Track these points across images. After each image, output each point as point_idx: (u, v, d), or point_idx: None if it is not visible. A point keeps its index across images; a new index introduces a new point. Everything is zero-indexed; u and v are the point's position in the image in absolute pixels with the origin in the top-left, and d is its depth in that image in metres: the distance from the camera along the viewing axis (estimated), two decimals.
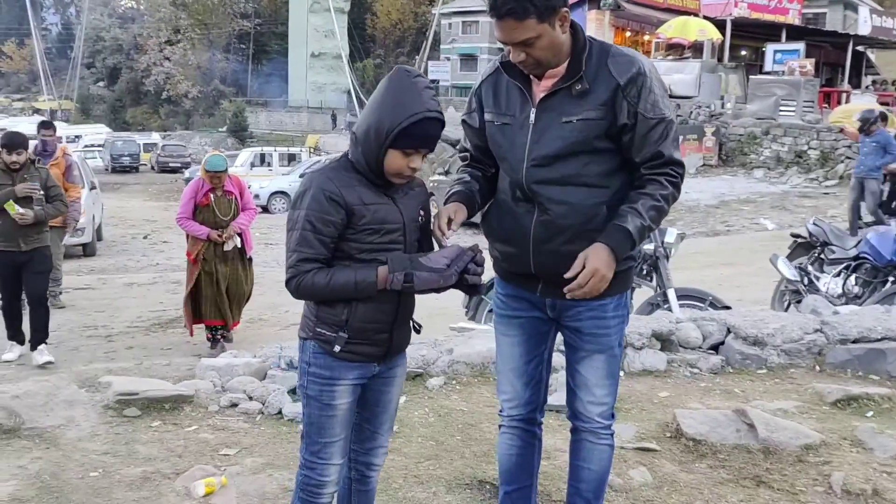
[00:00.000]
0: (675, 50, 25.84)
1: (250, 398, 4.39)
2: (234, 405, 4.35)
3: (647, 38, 26.83)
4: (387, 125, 2.32)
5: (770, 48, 28.16)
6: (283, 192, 24.46)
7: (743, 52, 31.33)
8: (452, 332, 5.80)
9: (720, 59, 27.71)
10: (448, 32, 64.56)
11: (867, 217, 12.36)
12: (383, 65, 72.21)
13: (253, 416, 4.25)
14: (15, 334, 6.76)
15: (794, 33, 29.29)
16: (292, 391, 4.45)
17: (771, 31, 29.18)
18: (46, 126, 9.09)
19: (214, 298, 7.03)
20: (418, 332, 2.68)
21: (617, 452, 3.46)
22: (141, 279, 11.78)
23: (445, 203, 2.66)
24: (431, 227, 2.54)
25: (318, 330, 2.44)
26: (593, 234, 2.51)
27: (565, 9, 2.45)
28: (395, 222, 2.44)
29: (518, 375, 2.82)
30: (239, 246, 7.10)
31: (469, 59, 63.53)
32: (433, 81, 62.55)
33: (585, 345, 2.69)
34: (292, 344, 5.26)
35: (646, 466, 3.65)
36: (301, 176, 24.80)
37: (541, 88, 2.57)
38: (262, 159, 29.81)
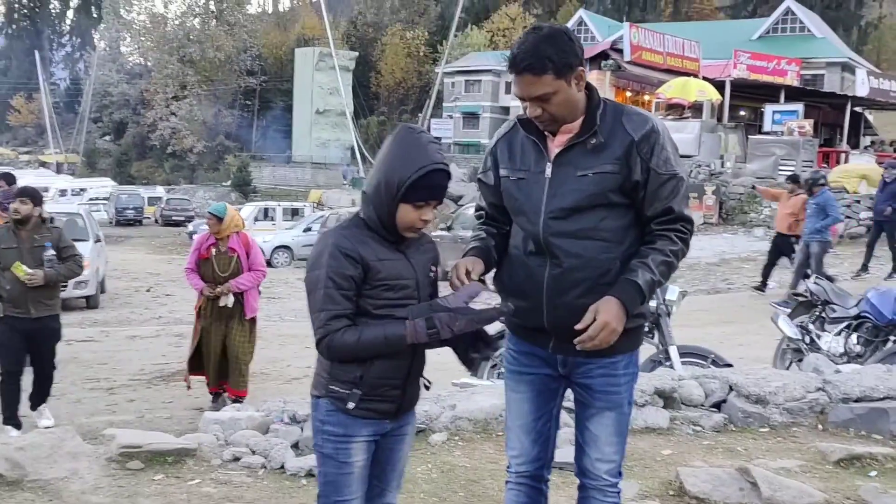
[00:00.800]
0: (675, 110, 26.16)
1: (253, 452, 4.40)
2: (237, 459, 4.35)
3: (647, 98, 27.19)
4: (396, 180, 2.39)
5: (769, 109, 28.50)
6: (286, 247, 24.54)
7: (742, 113, 31.70)
8: (455, 387, 5.80)
9: (720, 120, 28.02)
10: (451, 91, 65.38)
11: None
12: (387, 122, 72.97)
13: (255, 471, 4.25)
14: (11, 416, 6.10)
15: (793, 94, 29.68)
16: (295, 445, 4.46)
17: (770, 92, 29.57)
18: (5, 178, 8.74)
19: (210, 357, 6.96)
20: (428, 388, 2.70)
21: None
22: (144, 332, 11.78)
23: (463, 257, 2.69)
24: (449, 278, 2.54)
25: (332, 387, 2.45)
26: (606, 289, 2.55)
27: (581, 67, 2.55)
28: (409, 277, 2.48)
29: (527, 432, 2.82)
30: (230, 305, 6.87)
31: (471, 117, 64.25)
32: (437, 138, 62.98)
33: (596, 402, 2.71)
34: (295, 398, 5.29)
35: None
36: (305, 231, 25.07)
37: (556, 144, 2.63)
38: (266, 213, 29.97)
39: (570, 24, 61.20)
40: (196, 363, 7.06)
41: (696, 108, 26.47)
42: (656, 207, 2.61)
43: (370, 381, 2.44)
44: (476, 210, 2.96)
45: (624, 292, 2.53)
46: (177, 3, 76.11)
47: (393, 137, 2.48)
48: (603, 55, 24.70)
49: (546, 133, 2.64)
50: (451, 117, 64.98)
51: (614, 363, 2.68)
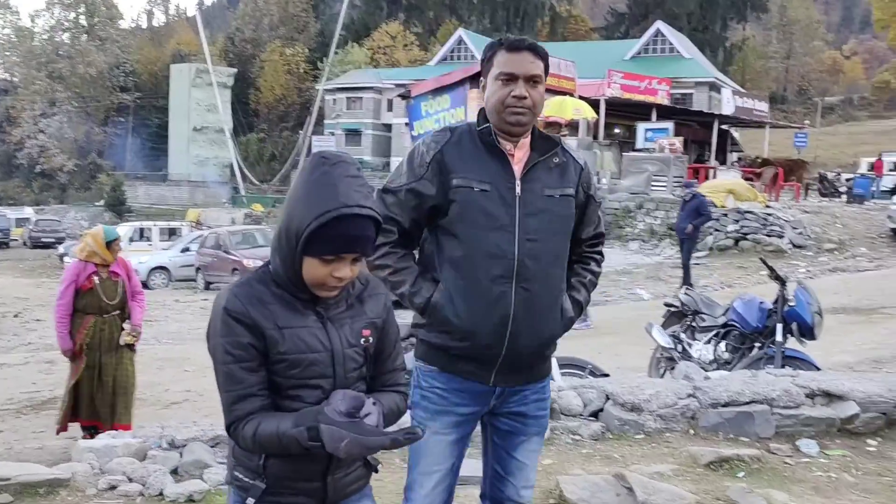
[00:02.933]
0: (552, 128, 26.54)
1: (130, 480, 4.26)
2: (114, 487, 4.21)
3: None
4: (295, 227, 1.88)
5: (641, 127, 29.51)
6: (163, 268, 23.90)
7: (617, 130, 32.71)
8: None
9: (595, 137, 28.85)
10: (332, 108, 65.12)
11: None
12: (267, 139, 72.09)
13: (133, 499, 4.13)
14: None
15: (664, 112, 30.84)
16: (174, 471, 4.35)
17: (642, 111, 30.64)
18: None
19: (92, 396, 6.33)
20: (376, 470, 2.17)
21: None
22: (11, 360, 11.25)
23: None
24: None
25: (235, 474, 2.03)
26: (556, 314, 2.58)
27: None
28: (320, 350, 1.95)
29: (443, 478, 2.61)
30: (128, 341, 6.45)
31: (354, 135, 64.11)
32: (359, 168, 62.52)
33: (529, 428, 2.66)
34: (173, 423, 5.17)
35: None
36: (183, 251, 24.45)
37: (517, 160, 2.55)
38: (142, 234, 29.10)
39: (449, 43, 62.03)
40: (76, 408, 6.39)
41: (573, 127, 27.11)
42: (588, 231, 2.71)
43: (275, 472, 1.98)
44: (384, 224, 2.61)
45: (574, 310, 2.64)
46: (45, 17, 73.32)
47: (301, 170, 1.97)
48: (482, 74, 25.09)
49: (501, 147, 2.53)
50: (332, 134, 64.61)
51: (544, 386, 2.69)
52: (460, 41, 60.74)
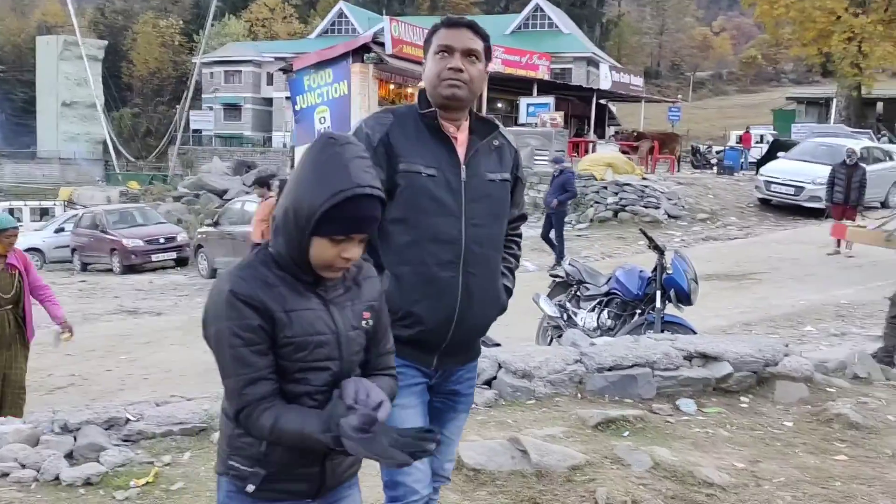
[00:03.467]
0: None
1: (23, 466, 4.15)
2: (6, 475, 4.10)
3: (410, 90, 27.79)
4: (306, 208, 1.86)
5: (523, 101, 29.98)
6: (36, 249, 22.92)
7: (500, 105, 33.11)
8: None
9: (479, 109, 29.13)
10: (210, 82, 63.52)
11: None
12: (142, 114, 69.76)
13: (27, 485, 4.03)
14: None
15: (545, 87, 31.38)
16: (69, 455, 4.27)
17: (524, 86, 31.10)
18: None
19: None
20: None
21: None
22: None
23: None
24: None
25: (231, 463, 1.99)
26: (496, 298, 2.65)
27: (490, 63, 2.62)
28: (326, 332, 1.95)
29: None
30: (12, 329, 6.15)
31: (233, 109, 62.78)
32: (195, 131, 61.22)
33: (458, 405, 2.73)
34: (64, 407, 5.05)
35: None
36: (57, 231, 23.48)
37: (459, 143, 2.55)
38: (11, 214, 27.81)
39: (329, 16, 61.29)
40: None
41: None
42: (513, 213, 2.73)
43: (276, 459, 1.97)
44: None
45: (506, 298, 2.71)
46: None
47: (308, 150, 1.95)
48: (365, 48, 24.90)
49: (445, 130, 2.52)
50: (211, 109, 63.13)
51: (475, 365, 2.77)
52: (341, 14, 60.10)
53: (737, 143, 37.30)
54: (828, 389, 5.51)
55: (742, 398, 5.40)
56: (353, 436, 1.78)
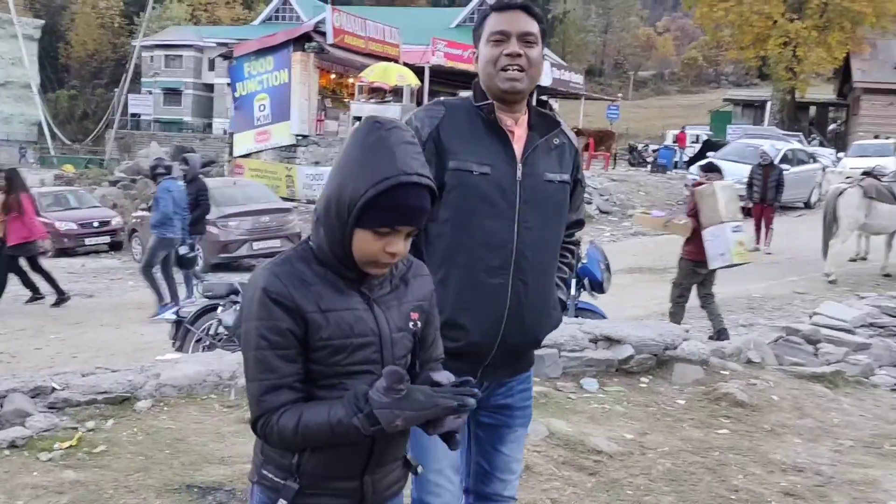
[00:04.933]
0: (377, 93, 27.08)
1: None
2: None
3: (350, 80, 27.91)
4: (348, 197, 1.71)
5: (465, 95, 30.29)
6: None
7: (441, 98, 33.36)
8: (158, 360, 5.96)
9: (419, 104, 29.36)
10: (150, 65, 62.61)
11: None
12: (79, 96, 68.48)
13: None
14: None
15: None
16: None
17: (466, 79, 31.40)
18: None
19: None
20: (416, 473, 2.02)
21: None
22: None
23: None
24: None
25: (264, 472, 1.85)
26: (549, 309, 2.45)
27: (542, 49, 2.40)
28: (368, 334, 1.79)
29: (455, 470, 2.44)
30: None
31: (173, 94, 62.00)
32: (134, 115, 60.37)
33: (514, 420, 2.52)
34: None
35: None
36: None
37: (517, 138, 2.36)
38: None
39: (273, 3, 60.82)
40: None
41: (397, 93, 27.58)
42: (571, 217, 2.52)
43: (310, 470, 1.81)
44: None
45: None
46: None
47: (352, 135, 1.79)
48: (306, 37, 24.97)
49: (502, 124, 2.34)
50: (150, 93, 62.26)
51: (529, 376, 2.56)
52: (285, 1, 59.68)
53: (673, 142, 38.13)
54: (721, 372, 5.91)
55: (642, 378, 5.76)
56: (384, 399, 1.64)
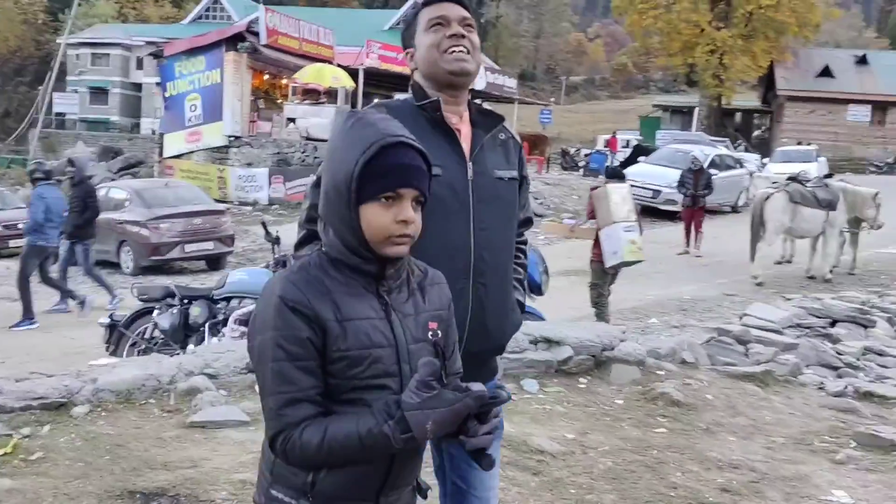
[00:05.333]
0: (311, 95, 26.93)
1: None
2: None
3: (284, 81, 27.69)
4: (343, 177, 1.68)
5: (398, 97, 30.28)
6: None
7: (376, 100, 33.26)
8: (93, 365, 5.85)
9: (354, 106, 29.30)
10: (76, 63, 61.09)
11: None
12: (1, 94, 66.51)
13: None
14: None
15: None
16: None
17: (400, 82, 31.42)
18: None
19: None
20: (424, 496, 1.91)
21: (259, 456, 3.88)
22: None
23: None
24: None
25: (272, 493, 1.75)
26: (510, 312, 2.39)
27: None
28: (385, 345, 1.71)
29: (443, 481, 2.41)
30: None
31: (99, 93, 60.59)
32: (59, 114, 58.80)
33: None
34: None
35: None
36: None
37: (463, 136, 2.28)
38: None
39: (203, 2, 59.94)
40: None
41: (331, 94, 27.45)
42: (520, 216, 2.45)
43: (325, 490, 1.71)
44: (306, 222, 2.31)
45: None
46: None
47: (332, 130, 1.81)
48: (239, 37, 24.69)
49: (448, 122, 2.26)
50: (76, 92, 60.74)
51: (495, 385, 2.31)
52: (216, 0, 58.87)
53: (604, 146, 38.70)
54: (657, 372, 6.04)
55: (581, 379, 5.86)
56: (415, 400, 1.57)
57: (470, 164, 2.25)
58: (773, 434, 5.13)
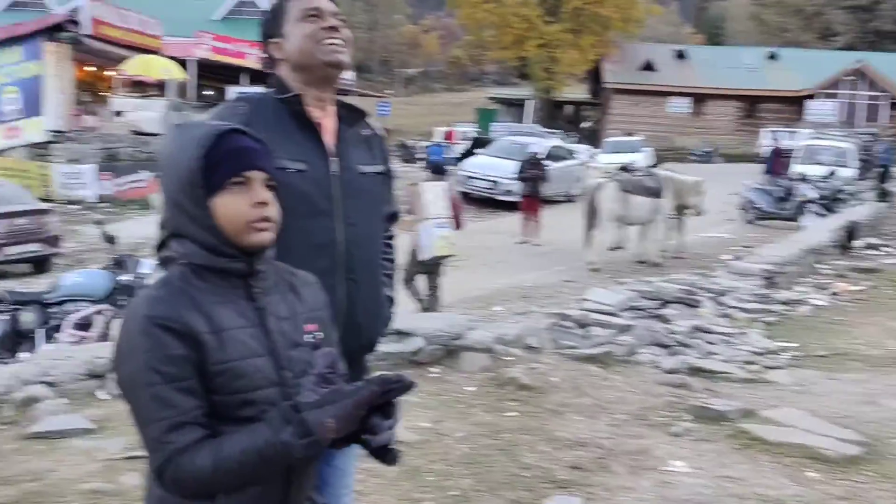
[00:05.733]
0: (139, 87, 25.93)
1: None
2: None
3: (109, 73, 26.52)
4: (185, 177, 1.60)
5: (232, 90, 29.59)
6: None
7: (209, 93, 32.43)
8: None
9: (185, 98, 28.39)
10: None
11: None
12: None
13: None
14: None
15: (257, 77, 31.18)
16: None
17: (233, 73, 30.69)
18: None
19: None
20: None
21: (109, 463, 3.74)
22: None
23: None
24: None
25: None
26: (381, 308, 2.37)
27: None
28: (261, 353, 1.60)
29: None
30: None
31: None
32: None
33: None
34: None
35: (137, 472, 3.96)
36: None
37: (326, 131, 2.24)
38: None
39: None
40: None
41: (161, 87, 26.52)
42: (385, 212, 2.42)
43: None
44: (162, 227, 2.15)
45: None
46: None
47: (164, 146, 1.72)
48: (59, 27, 23.41)
49: (311, 116, 2.21)
50: None
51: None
52: None
53: (443, 139, 39.21)
54: (505, 358, 6.20)
55: (433, 369, 5.94)
56: (314, 397, 1.50)
57: (335, 160, 2.22)
58: (615, 412, 5.38)
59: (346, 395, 1.49)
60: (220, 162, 1.59)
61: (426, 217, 8.91)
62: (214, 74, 30.93)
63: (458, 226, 9.40)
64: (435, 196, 9.00)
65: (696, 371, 6.76)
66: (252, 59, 32.96)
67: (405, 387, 1.54)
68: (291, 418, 1.48)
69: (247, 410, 1.55)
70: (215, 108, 2.31)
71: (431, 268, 9.27)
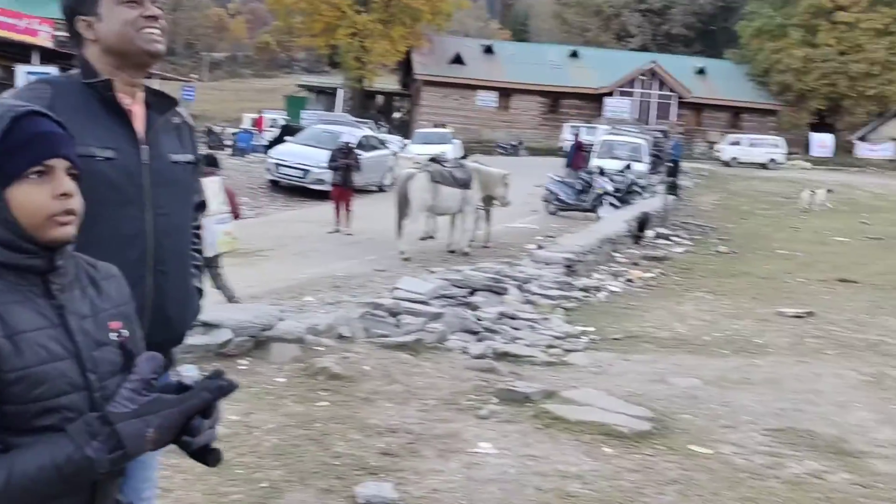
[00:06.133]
0: None
1: None
2: None
3: None
4: None
5: (22, 69, 27.68)
6: None
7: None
8: None
9: None
10: None
11: None
12: None
13: None
14: None
15: (49, 56, 29.31)
16: None
17: (22, 52, 28.72)
18: None
19: None
20: None
21: None
22: None
23: None
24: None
25: None
26: (190, 300, 2.32)
27: None
28: (63, 357, 1.44)
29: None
30: None
31: None
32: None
33: None
34: None
35: None
36: None
37: (136, 118, 2.17)
38: None
39: None
40: None
41: None
42: (193, 201, 2.38)
43: None
44: None
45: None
46: None
47: None
48: None
49: (120, 102, 2.13)
50: None
51: (167, 377, 2.29)
52: None
53: (251, 125, 38.42)
54: (316, 348, 6.19)
55: (241, 361, 5.84)
56: (130, 406, 1.37)
57: (145, 148, 2.15)
58: (425, 397, 5.49)
59: (171, 403, 1.39)
60: (18, 148, 1.43)
61: (208, 214, 8.70)
62: (0, 52, 28.83)
63: (236, 217, 9.31)
64: (213, 193, 8.80)
65: (502, 356, 7.01)
66: (44, 36, 31.05)
67: (230, 388, 1.47)
68: (98, 431, 1.36)
69: (47, 419, 1.39)
70: (12, 91, 2.18)
71: (212, 263, 9.09)
